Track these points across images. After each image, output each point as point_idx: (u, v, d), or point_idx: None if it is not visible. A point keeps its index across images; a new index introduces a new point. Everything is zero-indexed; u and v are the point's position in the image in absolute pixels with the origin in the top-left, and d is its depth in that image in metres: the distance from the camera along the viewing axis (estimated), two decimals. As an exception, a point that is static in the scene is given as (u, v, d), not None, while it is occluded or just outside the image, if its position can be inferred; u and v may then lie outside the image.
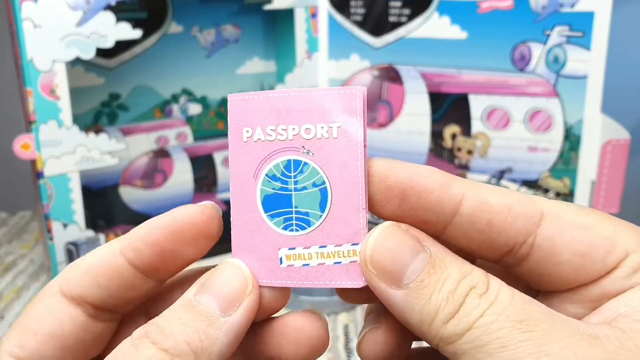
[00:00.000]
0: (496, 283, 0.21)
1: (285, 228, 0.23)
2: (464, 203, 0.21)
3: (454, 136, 0.59)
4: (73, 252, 0.56)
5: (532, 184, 0.57)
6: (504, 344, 0.19)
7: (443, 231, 0.22)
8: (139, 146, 0.63)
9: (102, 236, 0.58)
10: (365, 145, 0.23)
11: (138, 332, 0.21)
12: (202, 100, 0.67)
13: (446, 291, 0.20)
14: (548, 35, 0.54)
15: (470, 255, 0.23)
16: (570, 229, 0.21)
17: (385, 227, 0.22)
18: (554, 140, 0.55)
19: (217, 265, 0.22)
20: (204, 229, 0.22)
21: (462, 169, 0.60)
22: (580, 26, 0.52)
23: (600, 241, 0.21)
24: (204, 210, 0.22)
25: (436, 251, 0.21)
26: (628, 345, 0.19)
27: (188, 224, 0.22)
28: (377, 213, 0.23)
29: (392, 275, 0.21)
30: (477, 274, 0.21)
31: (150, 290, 0.23)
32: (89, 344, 0.23)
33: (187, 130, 0.66)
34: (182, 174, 0.65)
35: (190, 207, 0.22)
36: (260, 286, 0.22)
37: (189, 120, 0.66)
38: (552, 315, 0.20)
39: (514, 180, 0.58)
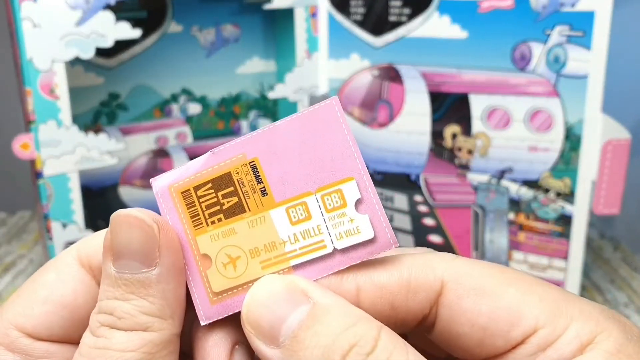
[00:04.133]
0: (389, 340, 0.18)
1: None
2: (361, 298, 0.20)
3: (454, 136, 0.59)
4: (72, 252, 0.56)
5: (532, 184, 0.57)
6: None
7: None
8: (138, 146, 0.63)
9: (101, 236, 0.58)
10: None
11: (95, 324, 0.20)
12: (202, 100, 0.67)
13: (321, 346, 0.18)
14: (548, 35, 0.54)
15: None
16: (470, 297, 0.19)
17: (264, 281, 0.20)
18: (555, 140, 0.55)
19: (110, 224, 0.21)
20: None
21: (463, 169, 0.60)
22: (581, 26, 0.52)
23: (502, 312, 0.19)
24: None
25: (323, 302, 0.19)
26: None
27: None
28: None
29: (268, 333, 0.19)
30: (362, 327, 0.18)
31: None
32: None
33: (186, 129, 0.66)
34: (181, 174, 0.65)
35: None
36: None
37: (189, 120, 0.66)
38: None
39: (514, 180, 0.58)
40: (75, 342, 0.21)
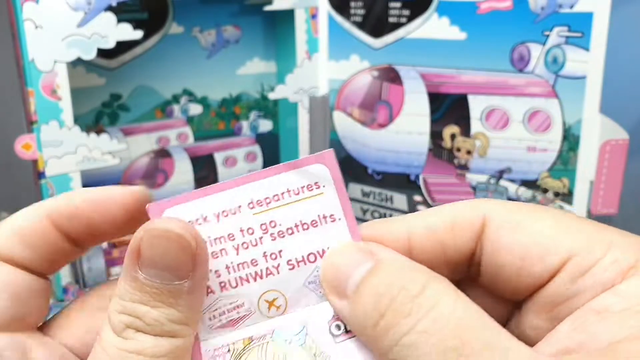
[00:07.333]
0: (438, 285, 0.19)
1: None
2: (413, 242, 0.21)
3: (453, 136, 0.60)
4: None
5: (531, 184, 0.57)
6: None
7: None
8: (140, 146, 0.64)
9: (103, 236, 0.58)
10: None
11: (119, 325, 0.20)
12: (203, 101, 0.67)
13: (375, 294, 0.19)
14: (547, 36, 0.54)
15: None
16: (509, 230, 0.20)
17: (337, 247, 0.21)
18: (553, 140, 0.55)
19: (143, 232, 0.20)
20: (129, 210, 0.22)
21: (462, 169, 0.60)
22: (579, 27, 0.52)
23: (538, 241, 0.20)
24: (132, 194, 0.22)
25: (386, 258, 0.20)
26: None
27: (114, 201, 0.22)
28: None
29: (337, 288, 0.21)
30: (412, 274, 0.19)
31: (73, 255, 0.23)
32: (24, 306, 0.22)
33: (187, 130, 0.67)
34: (182, 174, 0.66)
35: (121, 188, 0.23)
36: None
37: (190, 120, 0.67)
38: (497, 344, 0.17)
39: (512, 180, 0.58)
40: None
